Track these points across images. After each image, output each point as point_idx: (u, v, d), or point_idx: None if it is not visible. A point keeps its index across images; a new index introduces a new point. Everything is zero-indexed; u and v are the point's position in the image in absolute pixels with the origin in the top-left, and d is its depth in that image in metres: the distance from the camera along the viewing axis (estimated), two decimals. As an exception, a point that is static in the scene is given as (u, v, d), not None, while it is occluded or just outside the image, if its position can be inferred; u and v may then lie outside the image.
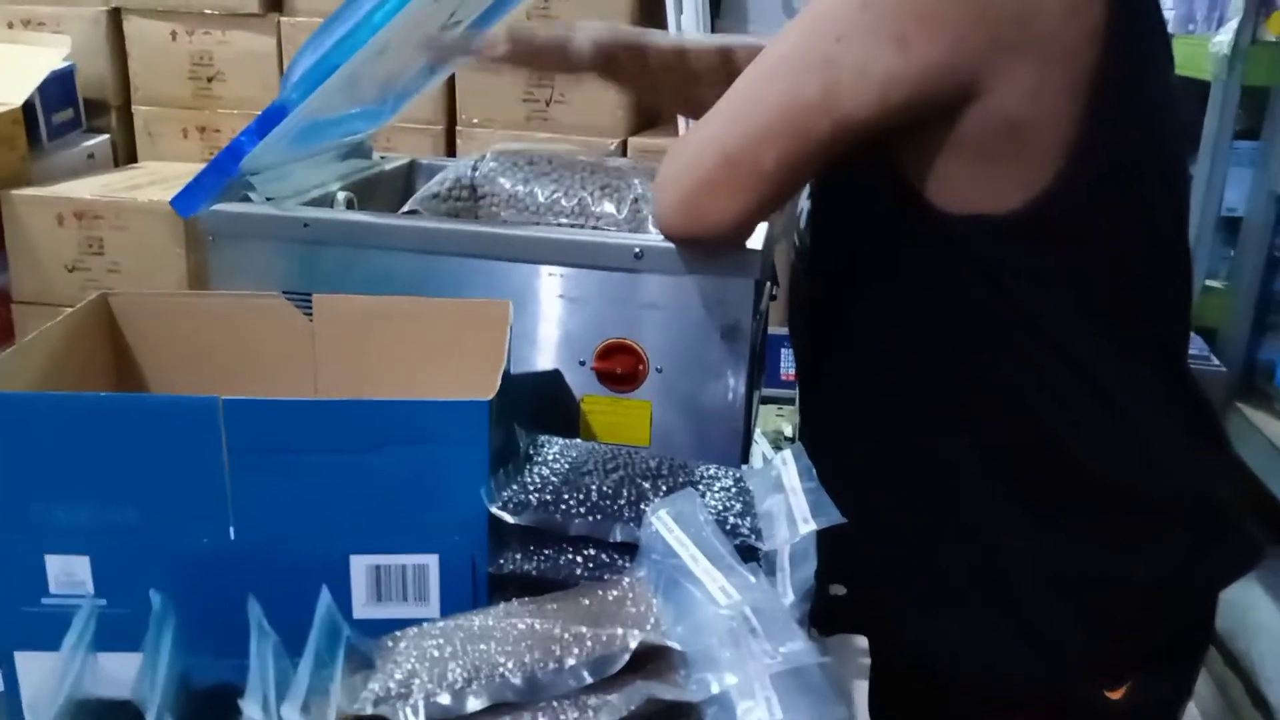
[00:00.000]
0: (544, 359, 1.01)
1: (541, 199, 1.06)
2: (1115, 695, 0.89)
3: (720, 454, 0.99)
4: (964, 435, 0.88)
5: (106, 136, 2.44)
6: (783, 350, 2.11)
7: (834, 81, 0.81)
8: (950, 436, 0.89)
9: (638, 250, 0.96)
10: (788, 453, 0.82)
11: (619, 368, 0.99)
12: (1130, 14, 0.82)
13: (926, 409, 0.90)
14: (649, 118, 2.35)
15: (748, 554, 0.70)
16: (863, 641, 1.09)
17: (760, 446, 1.26)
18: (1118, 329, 0.86)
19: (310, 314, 0.92)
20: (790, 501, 0.73)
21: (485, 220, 1.06)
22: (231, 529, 0.70)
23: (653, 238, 1.00)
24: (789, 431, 1.39)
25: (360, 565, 0.71)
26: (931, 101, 0.81)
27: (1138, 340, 0.88)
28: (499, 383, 0.74)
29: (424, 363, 0.92)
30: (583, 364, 1.00)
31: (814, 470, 0.79)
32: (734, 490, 0.78)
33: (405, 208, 1.10)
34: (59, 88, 2.33)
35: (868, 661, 1.09)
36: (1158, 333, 0.90)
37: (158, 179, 2.21)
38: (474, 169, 1.09)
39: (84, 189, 2.08)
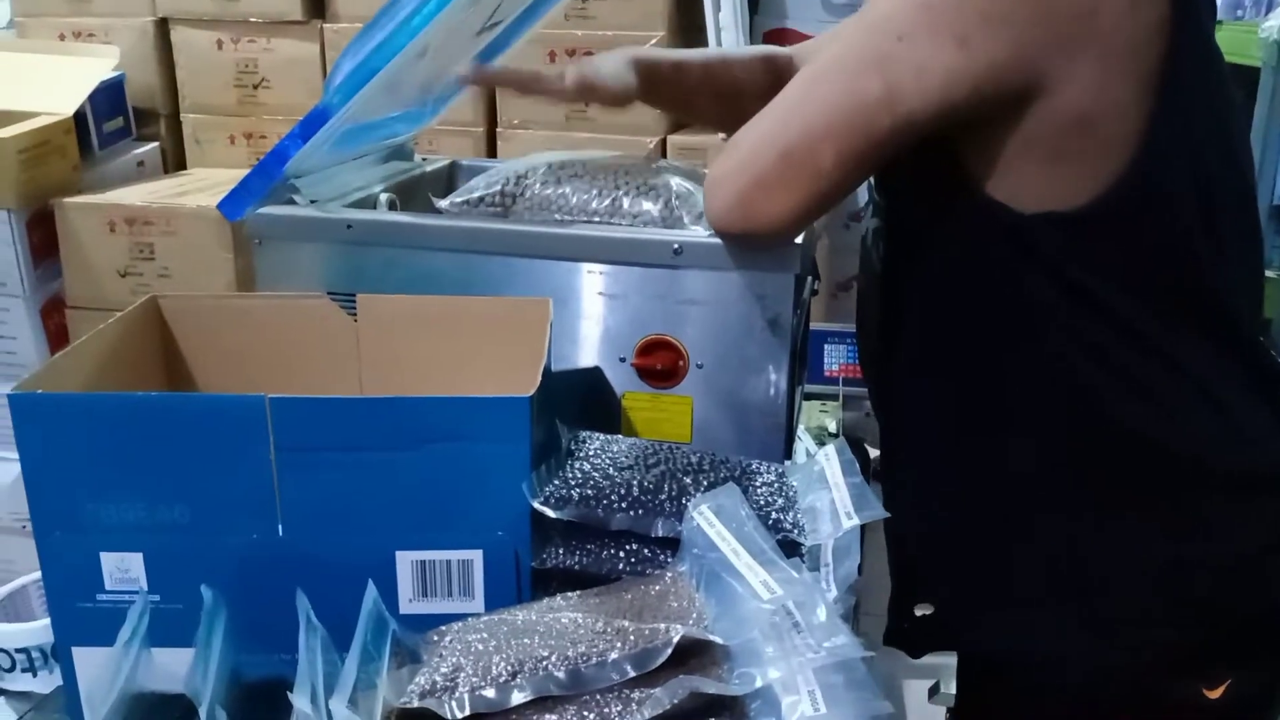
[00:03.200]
0: (585, 356, 1.01)
1: (574, 201, 1.06)
2: (1214, 694, 0.88)
3: (762, 450, 0.99)
4: (1039, 432, 0.88)
5: (156, 144, 2.48)
6: (826, 346, 2.10)
7: (895, 80, 0.81)
8: (1024, 435, 0.89)
9: (677, 246, 0.96)
10: (830, 448, 0.82)
11: (659, 364, 0.99)
12: (1193, 2, 0.82)
13: (1000, 408, 0.90)
14: (688, 116, 2.34)
15: (790, 549, 0.70)
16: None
17: (804, 443, 1.26)
18: (1191, 312, 0.86)
19: (354, 314, 0.93)
20: (834, 496, 0.72)
21: (525, 219, 1.07)
22: (280, 526, 0.71)
23: (692, 233, 1.00)
24: (833, 427, 1.38)
25: (406, 561, 0.72)
26: (994, 99, 0.81)
27: (1211, 321, 0.87)
28: (539, 379, 0.74)
29: (466, 361, 0.93)
30: (623, 360, 1.00)
31: (857, 465, 0.79)
32: (776, 485, 0.78)
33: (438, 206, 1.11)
34: (109, 97, 2.37)
35: (915, 661, 1.08)
36: (1229, 311, 0.89)
37: (206, 185, 2.24)
38: (507, 181, 1.09)
39: (134, 196, 2.11)
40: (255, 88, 2.43)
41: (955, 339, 0.91)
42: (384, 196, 1.13)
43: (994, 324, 0.88)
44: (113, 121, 2.39)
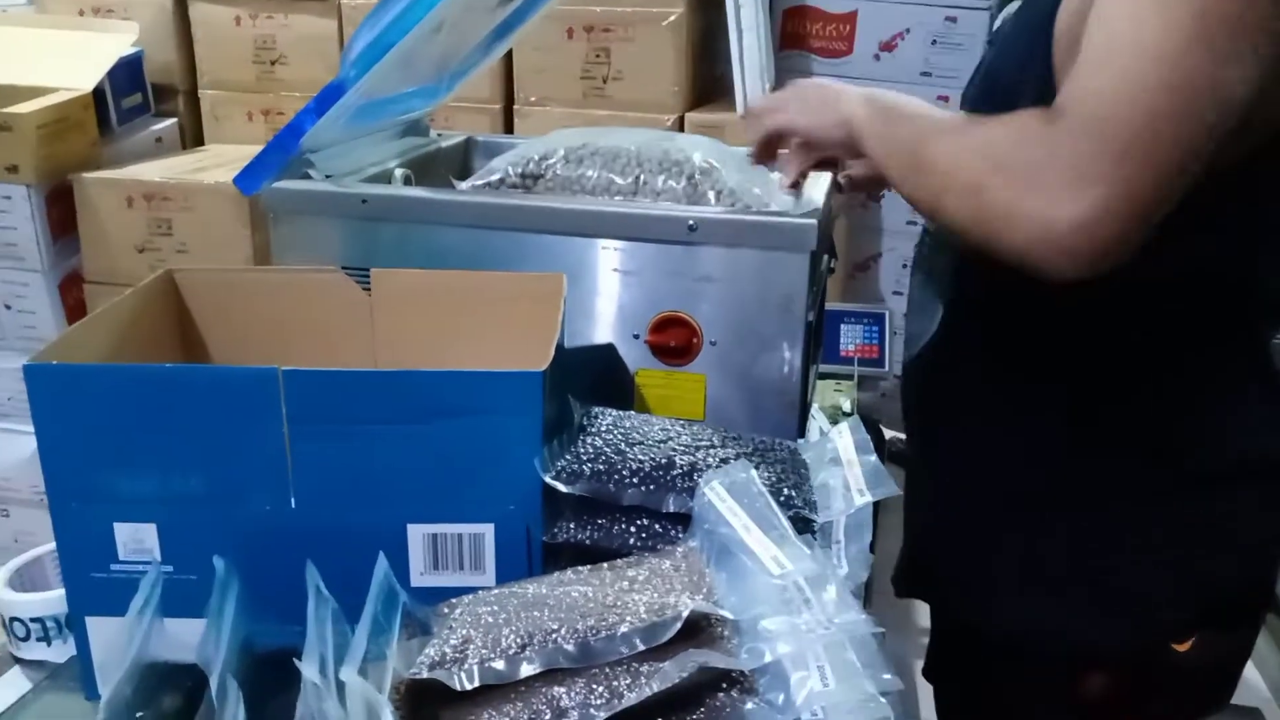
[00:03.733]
0: (598, 332, 1.01)
1: (596, 180, 1.06)
2: (1182, 648, 0.91)
3: (776, 428, 0.99)
4: (1078, 412, 0.88)
5: (174, 120, 2.49)
6: (842, 326, 2.10)
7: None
8: (1061, 414, 0.89)
9: (692, 222, 0.96)
10: (844, 425, 0.82)
11: (673, 341, 0.99)
12: None
13: (1042, 390, 0.90)
14: (706, 93, 2.33)
15: (802, 525, 0.69)
16: (923, 612, 1.09)
17: (817, 421, 1.25)
18: (1239, 306, 0.86)
19: (369, 288, 0.93)
20: (847, 474, 0.72)
21: (543, 195, 1.06)
22: (292, 498, 0.72)
23: (707, 210, 1.00)
24: (847, 407, 1.37)
25: (418, 534, 0.72)
26: None
27: (1253, 313, 0.88)
28: (552, 354, 0.74)
29: (480, 335, 0.93)
30: (636, 337, 1.00)
31: (871, 443, 0.79)
32: (789, 462, 0.78)
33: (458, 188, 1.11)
34: (128, 73, 2.38)
35: (925, 639, 1.09)
36: (1265, 310, 0.90)
37: (223, 161, 2.25)
38: (528, 162, 1.09)
39: (152, 171, 2.12)
40: (273, 64, 2.43)
41: (1024, 339, 0.90)
42: (399, 172, 1.13)
43: (1067, 326, 0.87)
44: (131, 97, 2.40)
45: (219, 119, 2.50)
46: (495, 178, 1.09)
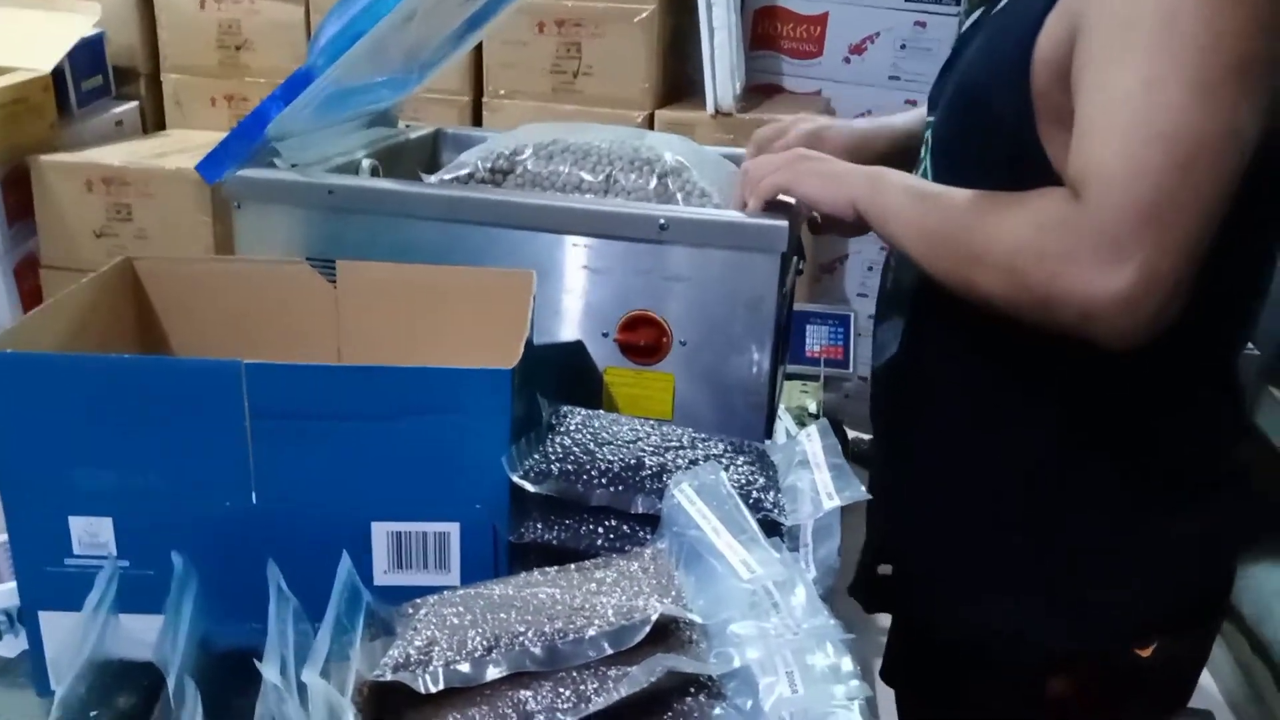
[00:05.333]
0: (567, 330, 1.00)
1: (567, 177, 1.05)
2: (1144, 653, 0.92)
3: (744, 428, 0.98)
4: (1052, 421, 0.89)
5: (135, 104, 2.44)
6: (808, 327, 2.10)
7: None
8: (1036, 423, 0.90)
9: (663, 221, 0.95)
10: (813, 428, 0.82)
11: (642, 340, 0.98)
12: None
13: (1011, 397, 0.91)
14: (676, 91, 2.33)
15: (771, 528, 0.69)
16: (884, 619, 1.10)
17: (784, 422, 1.25)
18: (1223, 328, 0.88)
19: (334, 280, 0.92)
20: (815, 477, 0.72)
21: (511, 190, 1.05)
22: (253, 493, 0.70)
23: (678, 209, 0.99)
24: (813, 408, 1.37)
25: (381, 532, 0.71)
26: None
27: (1219, 329, 0.89)
28: (521, 352, 0.73)
29: (447, 331, 0.92)
30: (606, 335, 0.99)
31: (839, 446, 0.78)
32: (758, 464, 0.77)
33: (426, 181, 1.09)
34: (89, 54, 2.33)
35: (882, 638, 1.10)
36: (1237, 324, 0.91)
37: (185, 147, 2.21)
38: (499, 157, 1.07)
39: (112, 155, 2.08)
40: (238, 49, 2.40)
41: (993, 347, 0.90)
42: (366, 162, 1.12)
43: (1038, 336, 0.88)
44: (92, 79, 2.35)
45: (181, 104, 2.46)
46: (464, 172, 1.08)
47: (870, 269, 2.52)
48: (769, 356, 0.98)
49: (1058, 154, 0.81)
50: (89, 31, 2.28)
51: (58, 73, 2.17)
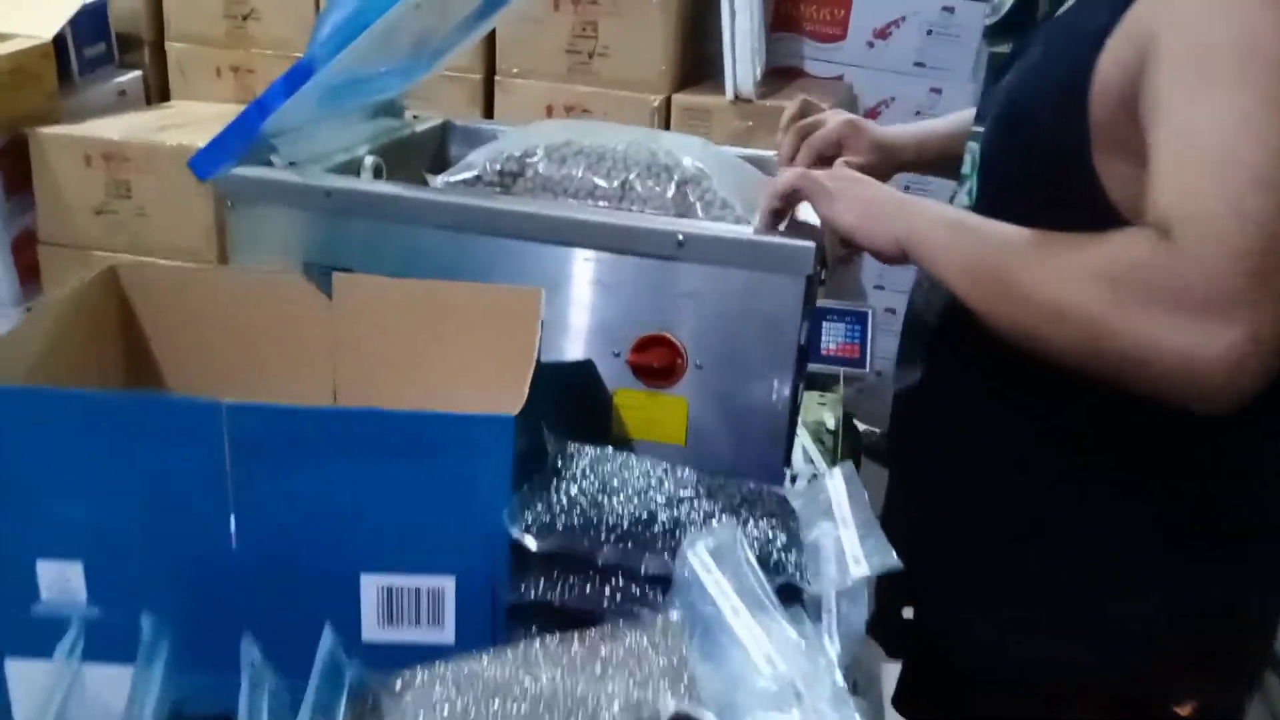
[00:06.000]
0: (576, 348, 0.95)
1: (580, 182, 0.99)
2: (1184, 712, 0.88)
3: (760, 457, 0.93)
4: (1099, 458, 0.85)
5: (139, 73, 2.38)
6: (824, 324, 2.04)
7: None
8: (1087, 453, 0.85)
9: (681, 237, 0.90)
10: (838, 472, 0.76)
11: (655, 361, 0.93)
12: None
13: (1060, 427, 0.86)
14: (695, 74, 2.25)
15: (792, 593, 0.64)
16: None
17: (801, 439, 1.20)
18: None
19: (330, 290, 0.86)
20: (841, 535, 0.66)
21: (520, 199, 0.99)
22: (234, 540, 0.65)
23: (697, 224, 0.93)
24: (831, 423, 1.32)
25: (371, 585, 0.66)
26: None
27: None
28: (526, 391, 0.68)
29: (449, 350, 0.87)
30: (617, 355, 0.94)
31: (865, 495, 0.73)
32: (779, 517, 0.72)
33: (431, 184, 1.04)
34: (92, 21, 2.26)
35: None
36: None
37: (188, 120, 2.14)
38: (508, 159, 1.01)
39: (113, 129, 2.02)
40: (245, 19, 2.32)
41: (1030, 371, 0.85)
42: (369, 160, 1.06)
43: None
44: (94, 47, 2.28)
45: (186, 74, 2.39)
46: (472, 174, 1.02)
47: (889, 261, 2.46)
48: (789, 384, 0.92)
49: (1115, 184, 0.75)
50: (92, -3, 2.21)
51: (59, 40, 2.10)
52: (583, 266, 0.93)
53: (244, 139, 0.96)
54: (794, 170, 0.90)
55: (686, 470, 0.77)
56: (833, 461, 1.23)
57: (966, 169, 0.94)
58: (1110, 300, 0.66)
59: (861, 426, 2.23)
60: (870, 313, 2.08)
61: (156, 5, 2.38)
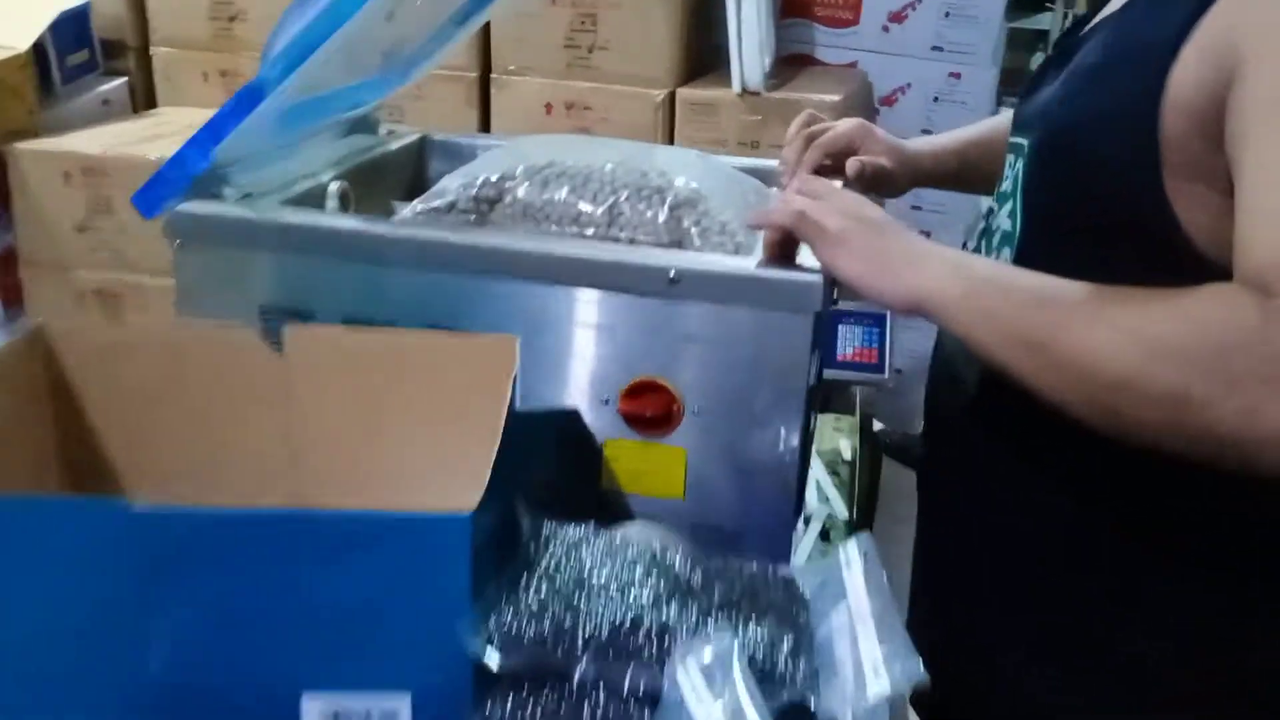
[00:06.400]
0: (561, 395, 0.86)
1: (564, 207, 0.89)
2: None
3: (768, 512, 0.85)
4: (1143, 503, 0.75)
5: (124, 80, 2.29)
6: (840, 328, 1.94)
7: None
8: (1128, 505, 0.76)
9: (674, 274, 0.80)
10: (853, 546, 0.67)
11: (649, 409, 0.84)
12: None
13: (1100, 479, 0.77)
14: (700, 66, 2.15)
15: (800, 714, 0.55)
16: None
17: (815, 473, 1.10)
18: None
19: (282, 347, 0.77)
20: (859, 634, 0.57)
21: (495, 232, 0.90)
22: (153, 663, 0.56)
23: (692, 258, 0.84)
24: (848, 453, 1.22)
25: (314, 709, 0.57)
26: None
27: None
28: (488, 476, 0.58)
29: (414, 407, 0.78)
30: (606, 403, 0.85)
31: (885, 576, 0.64)
32: (784, 609, 0.63)
33: (399, 215, 0.94)
34: (73, 27, 2.18)
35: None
36: None
37: (174, 129, 2.06)
38: (484, 183, 0.92)
39: (94, 142, 1.93)
40: (231, 20, 2.24)
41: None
42: (334, 186, 0.97)
43: None
44: (77, 55, 2.20)
45: (172, 79, 2.31)
46: (445, 201, 0.93)
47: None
48: (798, 431, 0.83)
49: (1190, 212, 0.65)
50: (73, 2, 2.13)
51: (39, 48, 2.02)
52: (565, 306, 0.83)
53: (188, 172, 0.87)
54: (790, 207, 0.78)
55: (679, 553, 0.67)
56: (850, 498, 1.13)
57: (1007, 186, 0.83)
58: (1207, 378, 0.58)
59: (877, 426, 2.13)
60: (889, 314, 1.98)
61: (141, 9, 2.30)
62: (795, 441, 0.82)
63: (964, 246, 0.90)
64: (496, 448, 0.61)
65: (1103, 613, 0.79)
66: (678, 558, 0.65)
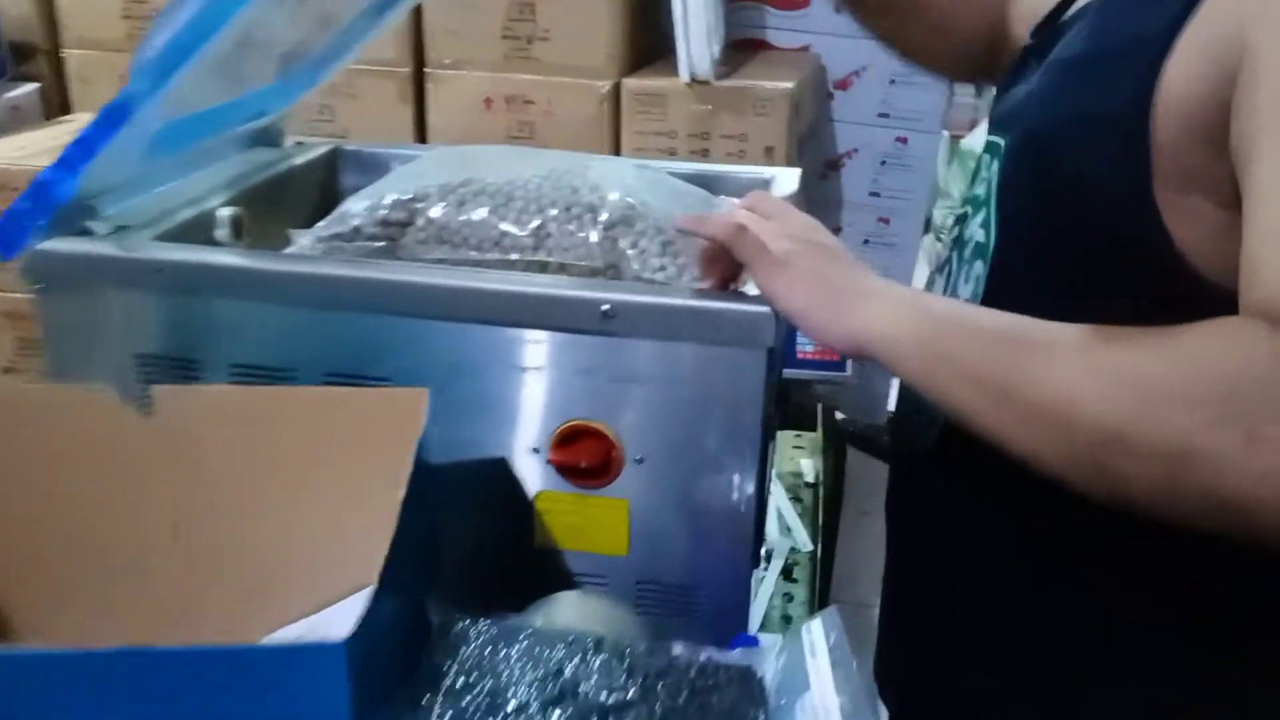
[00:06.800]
0: (486, 444, 0.76)
1: (485, 229, 0.79)
2: None
3: (723, 562, 0.76)
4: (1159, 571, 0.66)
5: (35, 85, 2.16)
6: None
7: None
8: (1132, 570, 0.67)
9: (607, 307, 0.70)
10: (818, 625, 0.58)
11: (583, 459, 0.74)
12: None
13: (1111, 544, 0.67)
14: (644, 55, 2.04)
15: None
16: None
17: (776, 499, 1.01)
18: None
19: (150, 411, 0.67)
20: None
21: (404, 265, 0.79)
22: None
23: (627, 289, 0.74)
24: (810, 476, 1.13)
25: None
26: None
27: None
28: (375, 584, 0.49)
29: (310, 473, 0.67)
30: (536, 452, 0.75)
31: (854, 665, 0.55)
32: (740, 708, 0.53)
33: (293, 247, 0.84)
34: (-23, 31, 2.05)
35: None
36: None
37: (86, 137, 1.93)
38: (394, 205, 0.81)
39: (-3, 154, 1.80)
40: (145, 20, 2.11)
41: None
42: (225, 213, 0.85)
43: None
44: (-18, 60, 2.07)
45: (87, 82, 2.18)
46: (350, 226, 0.82)
47: (866, 242, 2.25)
48: (753, 476, 0.73)
49: (1183, 225, 0.57)
50: (-28, 4, 1.99)
51: (-63, 55, 1.88)
52: (487, 346, 0.73)
53: (47, 206, 0.75)
54: (731, 219, 0.69)
55: (615, 649, 0.57)
56: (813, 525, 1.04)
57: (981, 191, 0.74)
58: (1215, 423, 0.49)
59: (839, 415, 2.05)
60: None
61: (49, 9, 2.16)
62: (750, 488, 0.73)
63: (924, 232, 0.81)
64: (390, 544, 0.51)
65: (1078, 656, 0.71)
66: (611, 655, 0.55)
